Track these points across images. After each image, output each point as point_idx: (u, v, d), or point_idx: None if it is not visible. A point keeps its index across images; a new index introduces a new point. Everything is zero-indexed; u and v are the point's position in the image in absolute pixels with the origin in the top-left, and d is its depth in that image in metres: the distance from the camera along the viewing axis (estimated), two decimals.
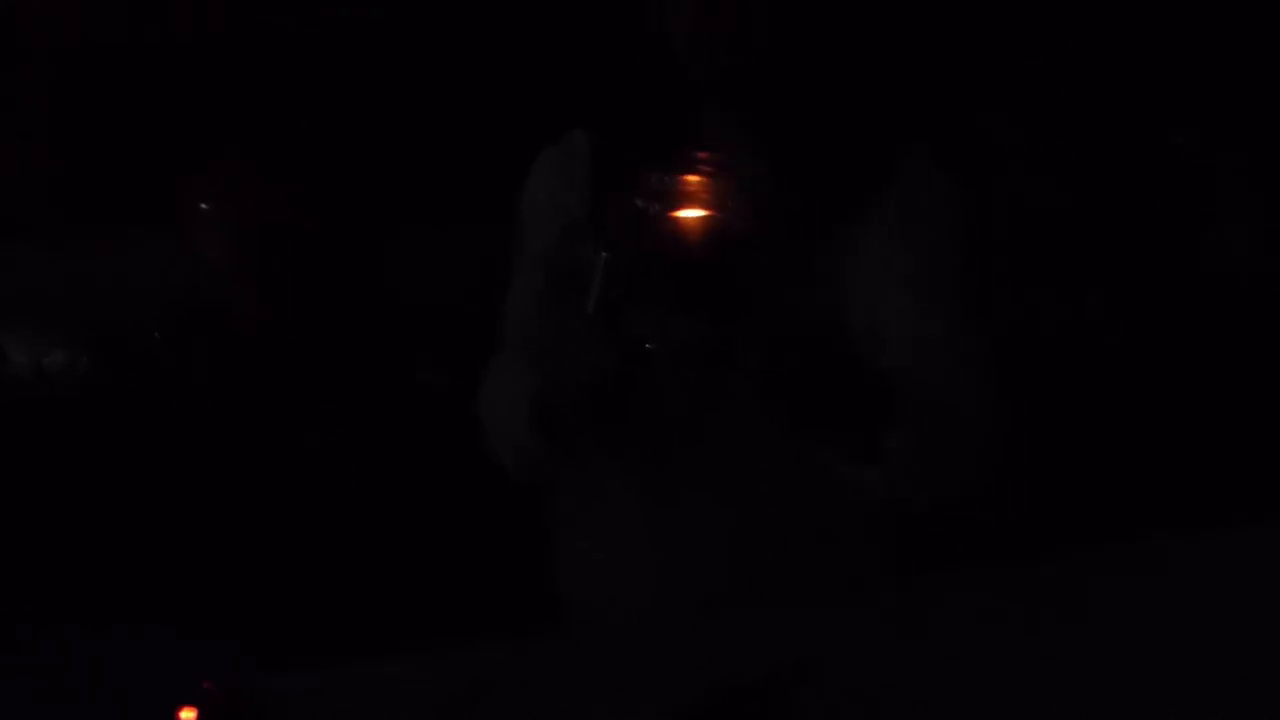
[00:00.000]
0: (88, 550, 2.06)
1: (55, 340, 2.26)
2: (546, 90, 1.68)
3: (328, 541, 2.10)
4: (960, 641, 1.35)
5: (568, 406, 1.40)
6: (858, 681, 1.28)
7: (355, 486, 2.15)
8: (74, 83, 2.57)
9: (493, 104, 2.55)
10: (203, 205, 2.27)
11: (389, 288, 2.41)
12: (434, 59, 2.62)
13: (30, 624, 1.75)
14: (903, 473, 1.40)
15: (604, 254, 1.29)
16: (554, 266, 1.51)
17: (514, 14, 2.59)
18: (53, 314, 2.30)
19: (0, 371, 2.31)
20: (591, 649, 1.42)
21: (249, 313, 2.29)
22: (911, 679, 1.29)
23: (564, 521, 1.66)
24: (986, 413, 1.46)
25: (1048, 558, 1.49)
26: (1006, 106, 2.73)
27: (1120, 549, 1.52)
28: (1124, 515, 1.95)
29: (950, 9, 2.66)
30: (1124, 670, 1.29)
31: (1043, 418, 2.28)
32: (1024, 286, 2.63)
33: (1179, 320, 2.60)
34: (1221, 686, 1.26)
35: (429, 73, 2.62)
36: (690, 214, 1.26)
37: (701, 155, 1.27)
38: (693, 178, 1.26)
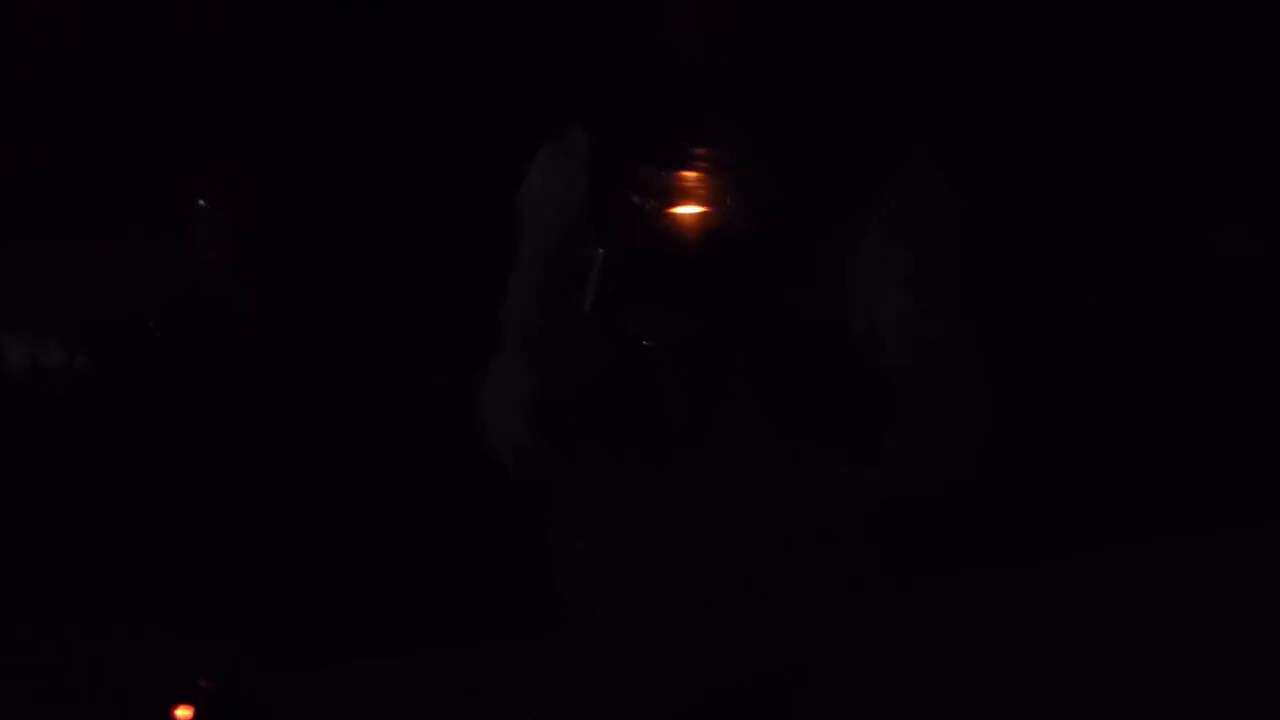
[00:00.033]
0: (86, 550, 2.05)
1: (54, 340, 2.26)
2: (545, 89, 1.68)
3: (328, 541, 2.10)
4: (960, 641, 1.35)
5: (565, 404, 1.40)
6: (858, 681, 1.28)
7: (355, 486, 2.15)
8: (74, 83, 2.57)
9: (492, 103, 2.55)
10: (203, 205, 2.27)
11: (389, 288, 2.41)
12: (433, 58, 2.62)
13: (27, 623, 1.75)
14: (902, 472, 1.40)
15: (601, 251, 1.29)
16: (552, 264, 1.52)
17: (513, 12, 2.59)
18: (52, 314, 2.30)
19: None
20: (591, 649, 1.42)
21: (249, 313, 2.29)
22: (911, 679, 1.29)
23: (564, 521, 1.66)
24: (986, 413, 1.46)
25: (1048, 558, 1.49)
26: (1006, 106, 2.73)
27: (1120, 549, 1.52)
28: (1124, 515, 1.95)
29: (950, 9, 2.66)
30: (1124, 670, 1.29)
31: (1043, 418, 2.28)
32: (1024, 287, 2.63)
33: (1179, 320, 2.60)
34: (1221, 686, 1.26)
35: (428, 72, 2.62)
36: (688, 211, 1.26)
37: (699, 153, 1.27)
38: (690, 175, 1.26)
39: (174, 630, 1.64)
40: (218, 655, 1.41)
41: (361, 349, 2.28)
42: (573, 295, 1.32)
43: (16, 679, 1.42)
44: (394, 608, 2.01)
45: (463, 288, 2.10)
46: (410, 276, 2.44)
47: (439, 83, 2.62)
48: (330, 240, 2.36)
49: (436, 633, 1.41)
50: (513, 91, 2.50)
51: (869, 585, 1.55)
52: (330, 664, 1.35)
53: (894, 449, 1.38)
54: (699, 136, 1.30)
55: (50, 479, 2.12)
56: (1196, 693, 1.26)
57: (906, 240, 1.48)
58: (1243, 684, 1.27)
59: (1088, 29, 2.71)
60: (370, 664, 1.35)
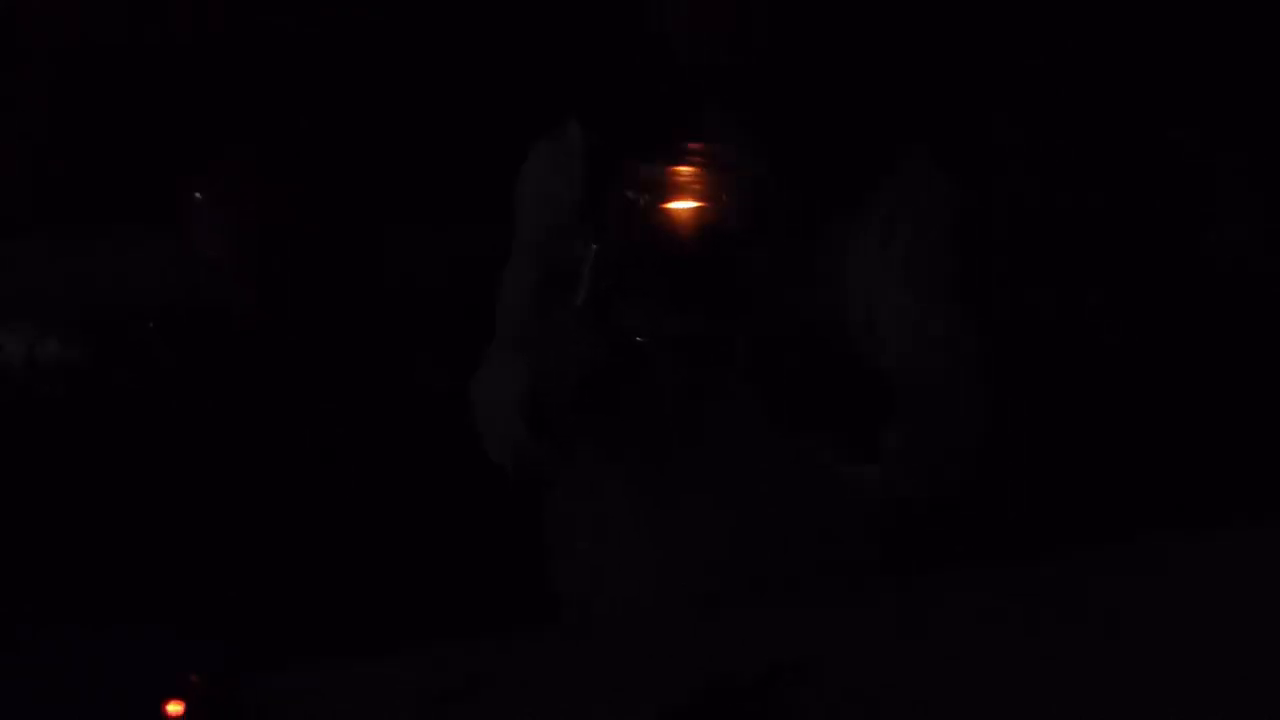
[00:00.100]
0: (84, 549, 2.06)
1: (54, 340, 2.26)
2: (544, 86, 1.68)
3: (327, 540, 2.10)
4: (960, 641, 1.35)
5: (559, 401, 1.40)
6: (858, 681, 1.28)
7: (354, 486, 2.15)
8: (74, 83, 2.57)
9: (491, 101, 2.55)
10: (203, 205, 2.27)
11: (388, 287, 2.41)
12: (432, 58, 2.62)
13: (21, 620, 1.75)
14: (901, 471, 1.40)
15: (595, 247, 1.29)
16: (547, 260, 1.51)
17: (513, 11, 2.59)
18: (52, 313, 2.30)
19: None
20: (590, 648, 1.42)
21: (249, 313, 2.29)
22: (911, 679, 1.29)
23: (560, 519, 1.66)
24: (985, 411, 1.46)
25: (1048, 558, 1.49)
26: (1006, 106, 2.73)
27: (1120, 549, 1.52)
28: (1124, 515, 1.96)
29: (950, 8, 2.66)
30: (1124, 670, 1.29)
31: (1043, 418, 2.28)
32: (1023, 286, 2.63)
33: (1178, 320, 2.60)
34: (1221, 686, 1.26)
35: (427, 72, 2.62)
36: (684, 209, 1.26)
37: (697, 150, 1.27)
38: (687, 173, 1.26)
39: (169, 628, 1.64)
40: (211, 652, 1.40)
41: (361, 349, 2.28)
42: (568, 291, 1.32)
43: (8, 675, 1.42)
44: (392, 606, 2.01)
45: (463, 287, 2.10)
46: (410, 276, 2.44)
47: (438, 82, 2.62)
48: (330, 240, 2.37)
49: (435, 632, 1.41)
50: (511, 89, 2.50)
51: (869, 585, 1.55)
52: (329, 663, 1.35)
53: (893, 448, 1.38)
54: (696, 134, 1.30)
55: (49, 478, 2.12)
56: (1196, 693, 1.26)
57: (905, 239, 1.48)
58: (1243, 684, 1.27)
59: (1087, 29, 2.71)
60: (369, 663, 1.35)
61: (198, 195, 2.27)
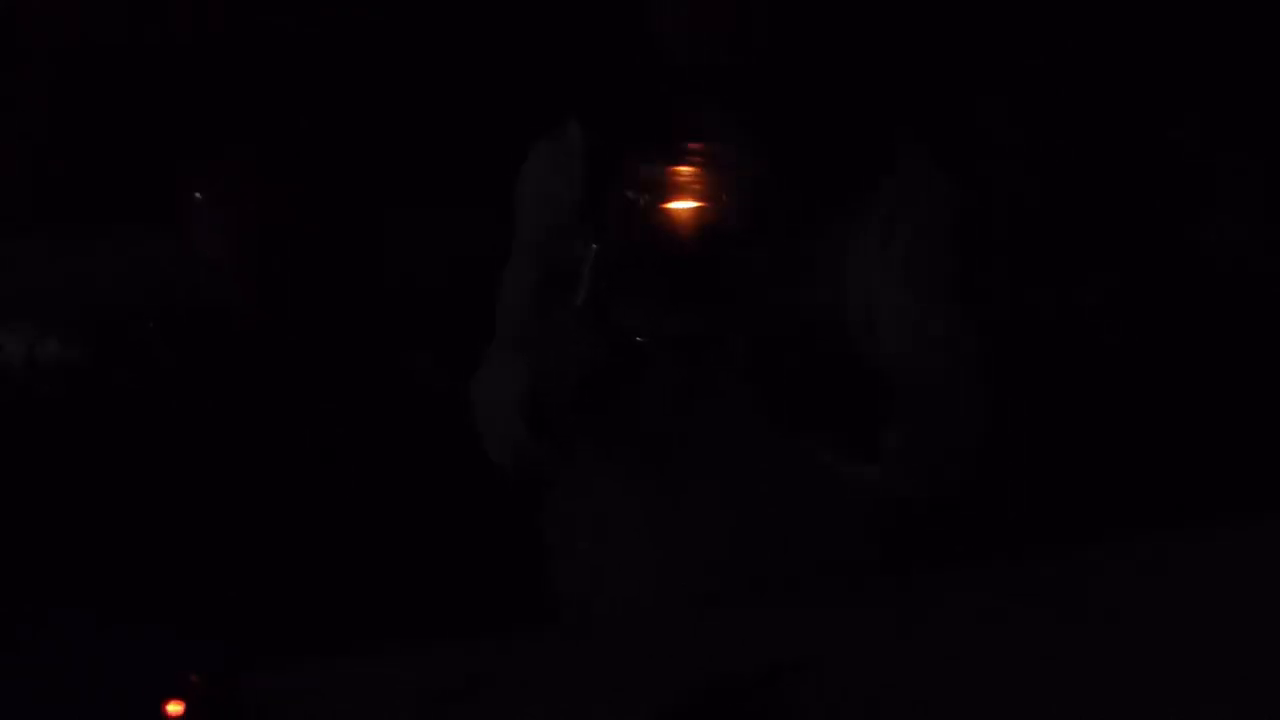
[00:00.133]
0: (84, 548, 2.05)
1: (54, 339, 2.26)
2: (544, 86, 1.68)
3: (327, 540, 2.10)
4: (960, 641, 1.35)
5: (558, 400, 1.40)
6: (858, 681, 1.28)
7: (354, 485, 2.15)
8: (74, 83, 2.57)
9: (493, 103, 2.55)
10: (203, 205, 2.27)
11: (389, 288, 2.41)
12: (432, 58, 2.62)
13: (21, 619, 1.75)
14: (900, 470, 1.40)
15: (594, 247, 1.29)
16: (546, 259, 1.51)
17: (513, 9, 2.59)
18: (52, 313, 2.30)
19: None
20: (591, 648, 1.42)
21: (249, 313, 2.29)
22: (911, 679, 1.29)
23: (561, 520, 1.66)
24: (985, 412, 1.46)
25: (1048, 558, 1.49)
26: (1006, 105, 2.73)
27: (1120, 549, 1.52)
28: (1124, 515, 1.95)
29: (950, 8, 2.66)
30: (1124, 670, 1.29)
31: (1043, 417, 2.28)
32: (1024, 286, 2.63)
33: (1178, 320, 2.60)
34: (1221, 686, 1.26)
35: (427, 72, 2.62)
36: (682, 207, 1.26)
37: (696, 150, 1.27)
38: (686, 172, 1.26)
39: (168, 628, 1.64)
40: (211, 652, 1.40)
41: (361, 349, 2.28)
42: (567, 291, 1.32)
43: (8, 675, 1.42)
44: (392, 606, 2.01)
45: (463, 287, 2.10)
46: (410, 276, 2.44)
47: (438, 82, 2.62)
48: (330, 240, 2.37)
49: (435, 632, 1.41)
50: (512, 90, 2.50)
51: (869, 585, 1.55)
52: (329, 663, 1.35)
53: (892, 448, 1.38)
54: (696, 134, 1.30)
55: (49, 478, 2.12)
56: (1196, 692, 1.26)
57: (905, 239, 1.48)
58: (1243, 684, 1.27)
59: (1087, 29, 2.71)
60: (369, 663, 1.35)
61: (198, 195, 2.27)
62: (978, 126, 2.70)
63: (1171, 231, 2.70)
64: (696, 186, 1.26)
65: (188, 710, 1.21)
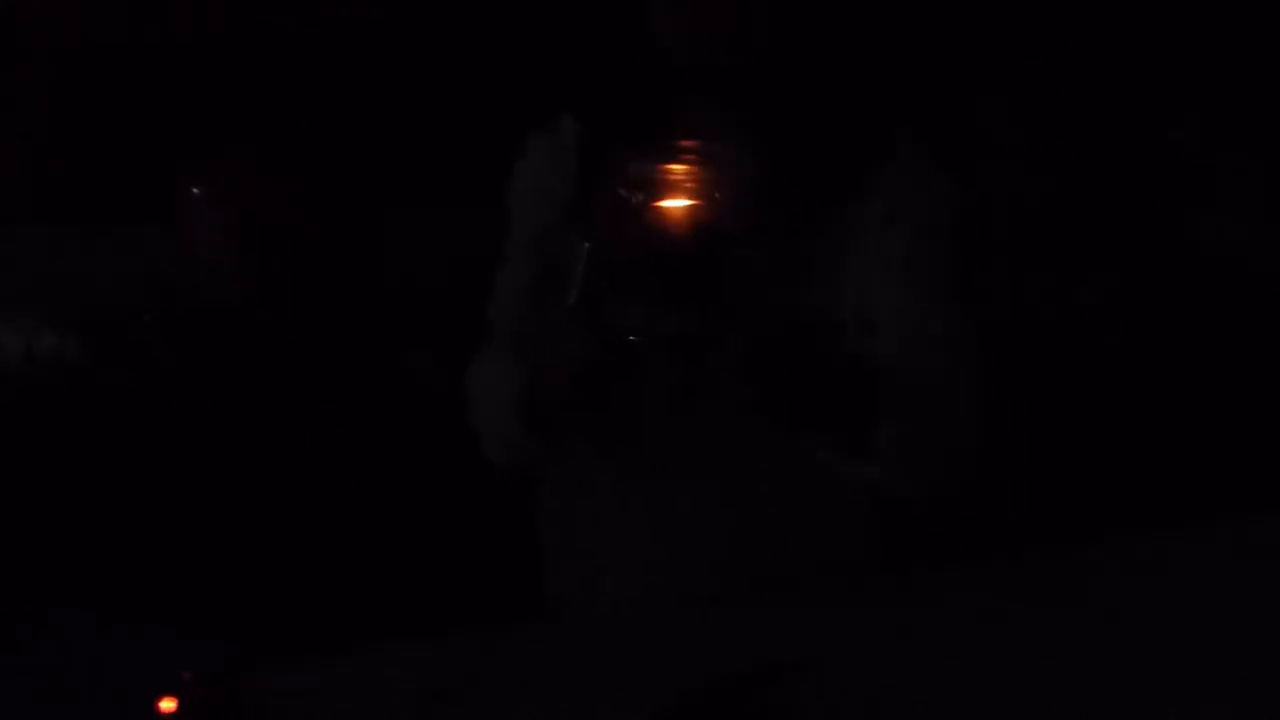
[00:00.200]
0: (83, 547, 2.06)
1: (53, 339, 2.26)
2: (543, 84, 1.68)
3: (327, 540, 2.10)
4: (960, 641, 1.35)
5: (550, 396, 1.40)
6: (858, 681, 1.28)
7: (354, 485, 2.15)
8: (74, 83, 2.57)
9: (493, 103, 2.55)
10: (202, 205, 2.27)
11: (388, 287, 2.41)
12: (432, 58, 2.62)
13: (20, 620, 1.75)
14: (901, 471, 1.40)
15: (586, 245, 1.29)
16: (540, 255, 1.51)
17: (512, 10, 2.59)
18: (51, 312, 2.30)
19: None
20: (590, 647, 1.42)
21: (249, 312, 2.29)
22: (911, 679, 1.29)
23: (554, 517, 1.66)
24: (984, 411, 1.45)
25: (1048, 558, 1.49)
26: (1006, 106, 2.73)
27: (1120, 549, 1.52)
28: (1123, 515, 1.95)
29: (950, 8, 2.66)
30: (1124, 670, 1.29)
31: (1042, 417, 2.28)
32: (1023, 286, 2.63)
33: (1178, 319, 2.60)
34: (1221, 686, 1.26)
35: (427, 72, 2.62)
36: (676, 205, 1.25)
37: (692, 148, 1.27)
38: (678, 169, 1.26)
39: (167, 627, 1.64)
40: (211, 652, 1.40)
41: (360, 349, 2.28)
42: (561, 288, 1.32)
43: (7, 674, 1.42)
44: (391, 606, 2.01)
45: (463, 287, 2.10)
46: (410, 276, 2.44)
47: (438, 82, 2.62)
48: (329, 240, 2.37)
49: (435, 630, 1.41)
50: (513, 91, 2.50)
51: (869, 585, 1.55)
52: (329, 663, 1.35)
53: (891, 447, 1.37)
54: (691, 132, 1.30)
55: (49, 478, 2.12)
56: (1196, 692, 1.26)
57: (904, 238, 1.48)
58: (1243, 684, 1.27)
59: (1087, 29, 2.71)
60: (369, 663, 1.35)
61: (197, 194, 2.27)
62: (978, 126, 2.70)
63: (1171, 232, 2.70)
64: (689, 185, 1.26)
65: (180, 707, 1.21)
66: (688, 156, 1.26)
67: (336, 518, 2.12)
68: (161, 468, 2.14)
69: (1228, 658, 1.30)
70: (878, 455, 1.38)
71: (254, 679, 1.29)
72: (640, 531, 1.56)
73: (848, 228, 1.48)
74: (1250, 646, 1.31)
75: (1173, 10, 2.67)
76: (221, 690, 1.24)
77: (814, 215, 1.46)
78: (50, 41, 2.57)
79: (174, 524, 2.09)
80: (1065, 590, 1.44)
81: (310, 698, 1.30)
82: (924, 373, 1.44)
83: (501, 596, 1.78)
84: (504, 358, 1.48)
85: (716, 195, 1.25)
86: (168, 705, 1.21)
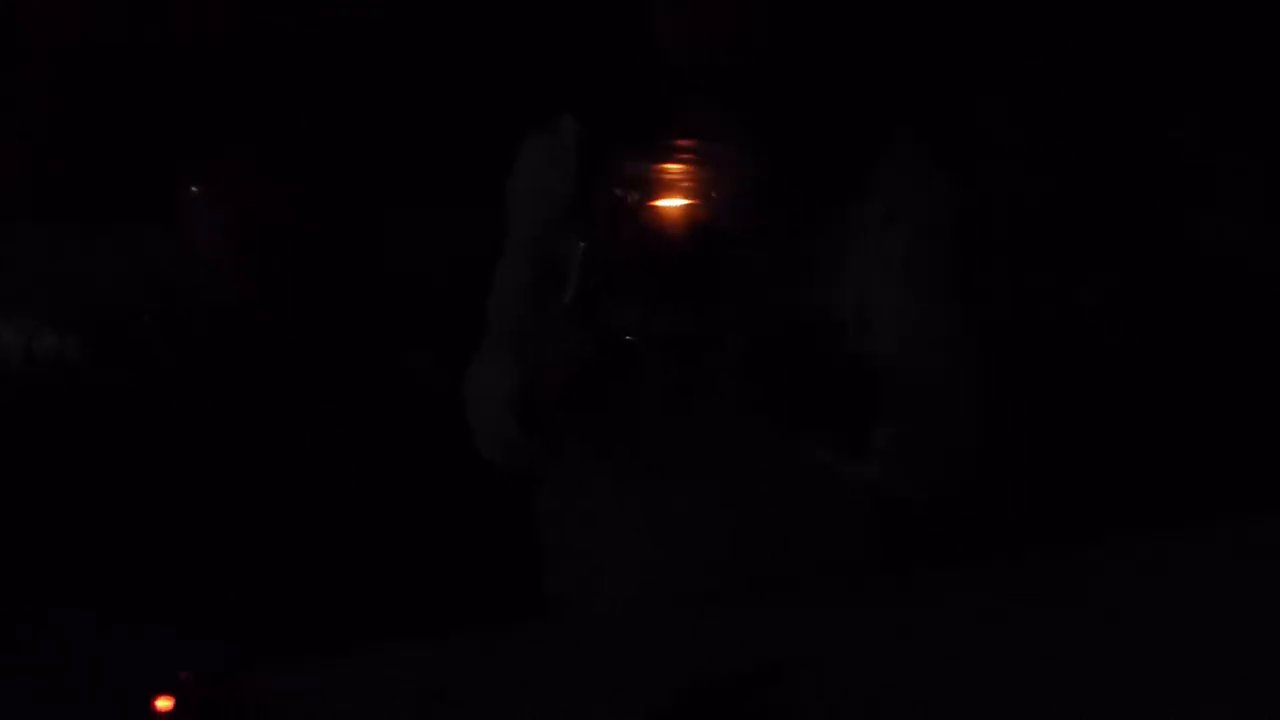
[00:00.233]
0: (83, 547, 2.06)
1: (53, 339, 2.26)
2: (542, 84, 1.68)
3: (327, 539, 2.10)
4: (960, 641, 1.35)
5: (546, 396, 1.40)
6: (858, 681, 1.28)
7: (354, 485, 2.15)
8: (74, 83, 2.57)
9: (493, 103, 2.55)
10: (202, 205, 2.27)
11: (388, 288, 2.41)
12: (432, 58, 2.62)
13: (20, 620, 1.75)
14: (901, 471, 1.40)
15: (582, 245, 1.29)
16: (538, 254, 1.51)
17: (512, 9, 2.59)
18: (51, 312, 2.30)
19: None
20: (589, 647, 1.42)
21: (249, 312, 2.29)
22: (911, 679, 1.29)
23: (550, 517, 1.66)
24: (984, 411, 1.45)
25: (1048, 558, 1.49)
26: (1006, 106, 2.73)
27: (1120, 549, 1.52)
28: (1124, 515, 1.95)
29: (950, 8, 2.66)
30: (1124, 670, 1.29)
31: (1042, 417, 2.28)
32: (1023, 286, 2.63)
33: (1178, 320, 2.60)
34: (1221, 686, 1.26)
35: (427, 72, 2.62)
36: (673, 204, 1.25)
37: (685, 145, 1.27)
38: (675, 168, 1.25)
39: (167, 627, 1.64)
40: (211, 652, 1.40)
41: (360, 349, 2.28)
42: (558, 287, 1.32)
43: (7, 674, 1.42)
44: (391, 606, 2.01)
45: (463, 287, 2.10)
46: (410, 276, 2.44)
47: (438, 82, 2.62)
48: (329, 240, 2.37)
49: (434, 631, 1.41)
50: (513, 91, 2.50)
51: (869, 585, 1.55)
52: (329, 663, 1.35)
53: (891, 447, 1.37)
54: (689, 132, 1.30)
55: (49, 477, 2.12)
56: (1196, 692, 1.26)
57: (904, 238, 1.48)
58: (1243, 684, 1.27)
59: (1087, 29, 2.71)
60: (369, 663, 1.35)
61: (197, 194, 2.27)
62: (978, 126, 2.70)
63: (1171, 232, 2.70)
64: (689, 185, 1.26)
65: (177, 706, 1.21)
66: (687, 156, 1.26)
67: (336, 518, 2.13)
68: (161, 468, 2.14)
69: (1228, 658, 1.30)
70: (878, 455, 1.38)
71: (254, 679, 1.29)
72: (637, 531, 1.56)
73: (848, 228, 1.48)
74: (1250, 647, 1.31)
75: (1172, 10, 2.67)
76: (221, 690, 1.24)
77: (814, 215, 1.46)
78: (50, 41, 2.57)
79: (174, 524, 2.09)
80: (1065, 590, 1.44)
81: (310, 698, 1.30)
82: (924, 373, 1.43)
83: (501, 597, 1.78)
84: (503, 357, 1.48)
85: (715, 195, 1.25)
86: (164, 704, 1.21)
